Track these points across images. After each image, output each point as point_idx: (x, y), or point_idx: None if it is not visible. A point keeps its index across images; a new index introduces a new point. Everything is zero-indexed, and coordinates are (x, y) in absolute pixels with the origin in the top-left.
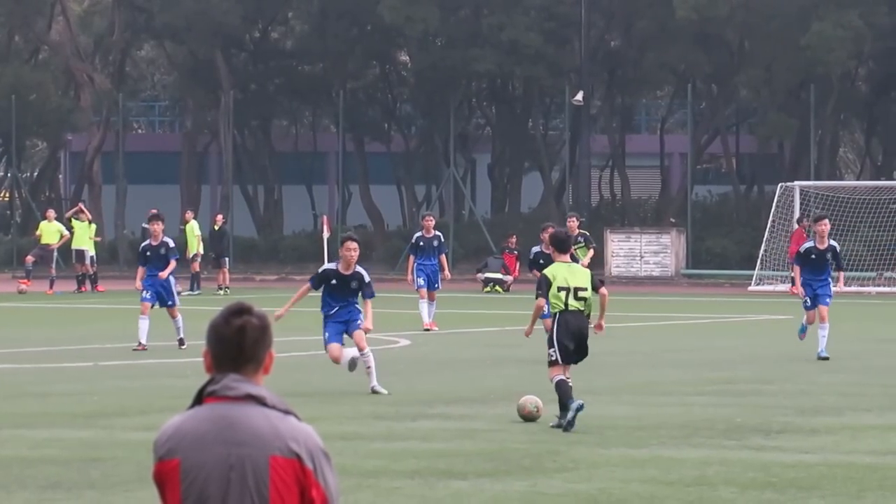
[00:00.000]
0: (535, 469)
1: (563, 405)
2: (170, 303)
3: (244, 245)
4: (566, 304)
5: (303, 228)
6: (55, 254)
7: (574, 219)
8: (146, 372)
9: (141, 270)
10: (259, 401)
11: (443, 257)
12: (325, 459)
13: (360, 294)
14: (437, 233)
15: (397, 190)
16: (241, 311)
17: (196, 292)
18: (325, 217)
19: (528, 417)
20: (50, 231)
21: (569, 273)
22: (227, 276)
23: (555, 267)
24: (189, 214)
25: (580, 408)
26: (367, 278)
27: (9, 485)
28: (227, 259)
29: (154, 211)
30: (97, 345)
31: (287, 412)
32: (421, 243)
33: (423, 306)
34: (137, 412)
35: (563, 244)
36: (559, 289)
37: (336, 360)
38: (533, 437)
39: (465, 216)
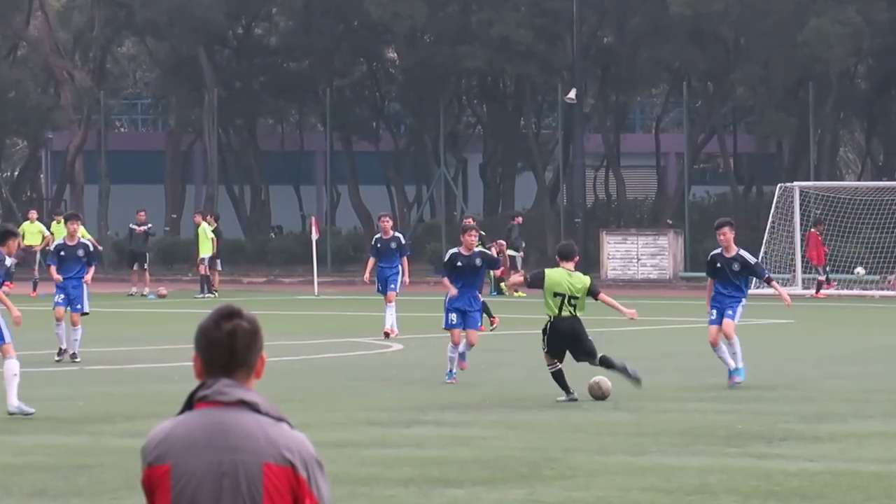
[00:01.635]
0: (532, 477)
1: (565, 389)
2: (78, 307)
3: (231, 246)
4: (559, 310)
5: (291, 230)
6: (38, 255)
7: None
8: (133, 377)
9: (51, 269)
10: (252, 407)
11: (404, 260)
12: (319, 468)
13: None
14: (397, 234)
15: (387, 190)
16: (230, 314)
17: (206, 296)
18: (313, 218)
19: (599, 395)
20: (32, 232)
21: (569, 280)
22: (217, 278)
23: (558, 272)
24: (198, 217)
25: (626, 369)
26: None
27: None
28: (218, 261)
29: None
30: (82, 348)
31: (280, 419)
32: (378, 245)
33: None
34: (125, 418)
35: (566, 252)
36: (555, 294)
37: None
38: (530, 444)
39: (458, 217)
